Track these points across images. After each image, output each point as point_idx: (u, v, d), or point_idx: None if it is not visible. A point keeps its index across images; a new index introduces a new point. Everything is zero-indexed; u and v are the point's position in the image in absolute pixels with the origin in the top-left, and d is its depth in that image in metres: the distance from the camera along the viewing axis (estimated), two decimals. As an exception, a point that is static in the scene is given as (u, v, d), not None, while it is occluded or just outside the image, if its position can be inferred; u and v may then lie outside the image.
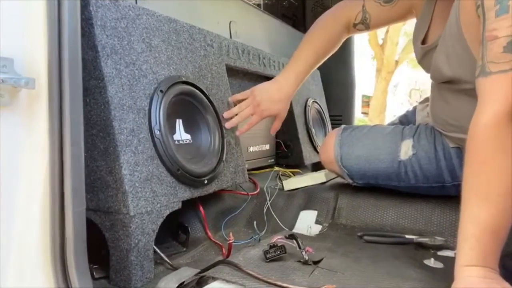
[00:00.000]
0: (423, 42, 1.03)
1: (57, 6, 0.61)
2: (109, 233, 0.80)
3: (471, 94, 0.75)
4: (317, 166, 1.69)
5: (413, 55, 1.17)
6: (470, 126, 0.69)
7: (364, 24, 1.18)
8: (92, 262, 0.77)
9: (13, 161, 0.60)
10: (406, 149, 1.07)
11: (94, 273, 0.82)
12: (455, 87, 0.93)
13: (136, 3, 1.04)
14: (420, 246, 0.94)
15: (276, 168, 1.54)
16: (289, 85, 1.19)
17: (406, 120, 1.36)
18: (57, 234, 0.61)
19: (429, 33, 1.03)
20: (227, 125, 1.13)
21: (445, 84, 0.97)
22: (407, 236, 0.96)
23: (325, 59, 1.26)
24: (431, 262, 0.84)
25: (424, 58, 1.03)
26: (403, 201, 1.09)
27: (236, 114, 1.16)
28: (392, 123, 1.38)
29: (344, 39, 1.25)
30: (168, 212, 0.87)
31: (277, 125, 1.26)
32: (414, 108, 1.37)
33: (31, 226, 0.61)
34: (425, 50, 1.01)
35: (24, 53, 0.59)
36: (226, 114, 1.14)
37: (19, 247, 0.60)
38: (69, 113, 0.62)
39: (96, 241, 0.79)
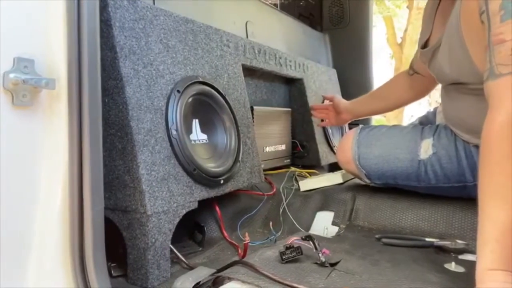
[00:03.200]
0: (425, 45, 1.03)
1: (77, 7, 0.62)
2: (127, 232, 0.81)
3: (477, 93, 0.74)
4: (334, 167, 1.67)
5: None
6: (483, 128, 0.68)
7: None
8: (110, 260, 0.78)
9: (34, 160, 0.61)
10: (426, 148, 1.05)
11: (112, 271, 0.83)
12: (460, 88, 0.93)
13: (154, 4, 1.04)
14: (441, 249, 0.91)
15: (292, 169, 1.53)
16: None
17: (427, 121, 1.34)
18: (76, 233, 0.62)
19: (431, 36, 1.03)
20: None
21: (451, 86, 0.96)
22: (427, 239, 0.94)
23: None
24: (452, 266, 0.81)
25: (432, 62, 1.02)
26: (422, 203, 1.07)
27: None
28: (412, 124, 1.36)
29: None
30: (184, 211, 0.88)
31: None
32: (435, 109, 1.35)
33: (51, 225, 0.62)
34: (430, 52, 1.00)
35: (44, 54, 0.60)
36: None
37: (39, 246, 0.61)
38: (88, 113, 0.63)
39: (114, 239, 0.80)
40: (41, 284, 0.61)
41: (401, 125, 1.21)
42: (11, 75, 0.56)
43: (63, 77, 0.61)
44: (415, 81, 1.27)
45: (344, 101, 1.51)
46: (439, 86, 1.11)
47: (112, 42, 0.80)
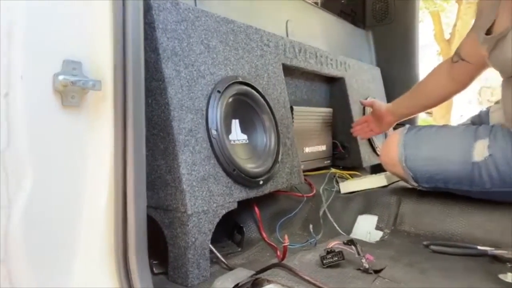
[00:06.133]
0: (488, 32, 0.95)
1: (122, 11, 0.64)
2: (168, 231, 0.82)
3: None
4: (376, 169, 1.62)
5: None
6: None
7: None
8: (152, 258, 0.79)
9: (82, 159, 0.63)
10: (480, 150, 0.97)
11: (154, 269, 0.84)
12: None
13: (196, 5, 1.06)
14: (495, 259, 0.85)
15: (333, 170, 1.49)
16: None
17: (479, 121, 1.25)
18: (120, 231, 0.64)
19: (496, 22, 0.94)
20: None
21: None
22: (479, 248, 0.88)
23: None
24: (508, 278, 0.75)
25: (494, 51, 0.94)
26: (475, 208, 1.00)
27: None
28: (464, 124, 1.27)
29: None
30: (224, 212, 0.88)
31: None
32: (488, 109, 1.25)
33: (97, 223, 0.64)
34: (494, 40, 0.92)
35: (91, 56, 0.63)
36: None
37: (85, 244, 0.64)
38: (132, 114, 0.65)
39: (156, 237, 0.81)
40: (86, 284, 0.63)
41: (452, 125, 1.13)
42: (61, 77, 0.58)
43: (109, 78, 0.63)
44: (457, 70, 1.18)
45: (384, 104, 1.43)
46: (497, 83, 1.03)
47: (156, 44, 0.82)
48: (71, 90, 0.60)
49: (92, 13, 0.63)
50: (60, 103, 0.60)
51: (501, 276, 0.76)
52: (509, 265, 0.81)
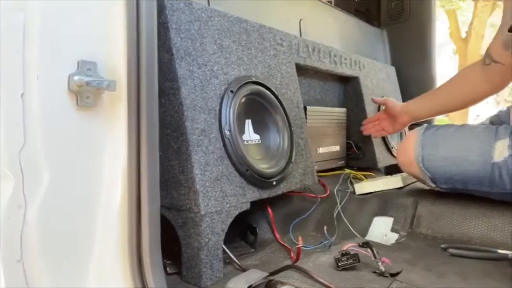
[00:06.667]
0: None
1: (136, 11, 0.64)
2: (181, 231, 0.82)
3: None
4: (392, 170, 1.59)
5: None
6: None
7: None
8: (166, 257, 0.79)
9: (97, 159, 0.64)
10: (501, 150, 0.95)
11: (168, 269, 0.84)
12: None
13: (209, 5, 1.06)
14: (517, 263, 0.82)
15: (347, 171, 1.47)
16: None
17: (499, 121, 1.21)
18: (134, 230, 0.64)
19: None
20: None
21: None
22: (500, 251, 0.85)
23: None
24: (531, 283, 0.72)
25: None
26: (494, 210, 0.97)
27: None
28: (483, 124, 1.24)
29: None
30: (237, 212, 0.87)
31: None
32: (508, 108, 1.21)
33: (112, 223, 0.64)
34: None
35: (105, 57, 0.63)
36: None
37: (101, 243, 0.64)
38: (146, 114, 0.65)
39: (169, 237, 0.81)
40: (101, 284, 0.64)
41: (471, 125, 1.10)
42: (76, 78, 0.59)
43: (123, 79, 0.63)
44: (491, 72, 1.13)
45: (399, 103, 1.37)
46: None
47: (169, 44, 0.82)
48: (86, 90, 0.60)
49: (106, 13, 0.63)
50: (75, 103, 0.60)
51: (522, 281, 0.73)
52: (531, 270, 0.79)
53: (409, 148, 1.09)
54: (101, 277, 0.63)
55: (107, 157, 0.64)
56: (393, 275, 0.74)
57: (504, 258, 0.83)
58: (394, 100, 1.40)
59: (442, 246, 0.90)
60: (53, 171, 0.58)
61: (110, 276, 0.64)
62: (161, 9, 0.81)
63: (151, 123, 0.65)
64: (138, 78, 0.64)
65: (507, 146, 0.94)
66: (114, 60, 0.63)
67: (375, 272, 0.74)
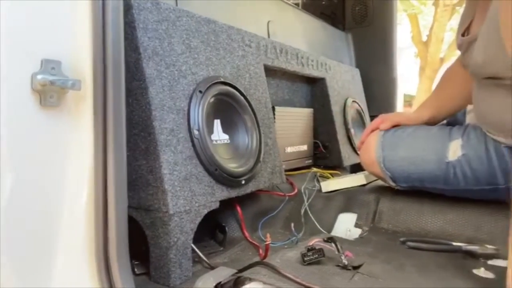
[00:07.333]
0: (464, 34, 0.98)
1: (102, 10, 0.63)
2: (149, 231, 0.82)
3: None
4: (356, 168, 1.64)
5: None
6: None
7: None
8: (134, 258, 0.79)
9: (61, 159, 0.63)
10: (454, 149, 1.01)
11: (136, 269, 0.84)
12: (493, 84, 0.87)
13: (177, 5, 1.06)
14: (469, 254, 0.87)
15: (314, 169, 1.51)
16: None
17: (455, 121, 1.29)
18: (101, 231, 0.64)
19: (472, 23, 0.97)
20: None
21: (484, 80, 0.91)
22: (454, 244, 0.90)
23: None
24: (481, 272, 0.78)
25: (467, 53, 0.97)
26: (449, 206, 1.03)
27: None
28: (439, 124, 1.31)
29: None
30: (206, 211, 0.88)
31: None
32: (465, 109, 1.29)
33: (77, 224, 0.63)
34: (466, 42, 0.95)
35: (70, 55, 0.62)
36: None
37: (65, 245, 0.63)
38: (112, 114, 0.64)
39: (137, 238, 0.81)
40: (67, 284, 0.63)
41: (427, 126, 1.16)
42: (39, 77, 0.57)
43: (89, 78, 0.63)
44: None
45: (405, 115, 1.22)
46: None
47: (136, 43, 0.81)
48: (50, 89, 0.59)
49: (72, 12, 0.62)
50: (38, 103, 0.59)
51: (474, 271, 0.78)
52: (482, 260, 0.85)
53: (370, 149, 1.13)
54: (66, 277, 0.63)
55: (73, 157, 0.63)
56: (355, 267, 0.77)
57: (458, 250, 0.89)
58: (397, 114, 1.28)
59: (401, 239, 0.95)
60: (17, 171, 0.57)
61: (76, 277, 0.63)
62: (127, 8, 0.80)
63: (117, 122, 0.65)
64: (104, 77, 0.64)
65: (460, 146, 1.00)
66: (80, 59, 0.62)
67: (338, 266, 0.77)
